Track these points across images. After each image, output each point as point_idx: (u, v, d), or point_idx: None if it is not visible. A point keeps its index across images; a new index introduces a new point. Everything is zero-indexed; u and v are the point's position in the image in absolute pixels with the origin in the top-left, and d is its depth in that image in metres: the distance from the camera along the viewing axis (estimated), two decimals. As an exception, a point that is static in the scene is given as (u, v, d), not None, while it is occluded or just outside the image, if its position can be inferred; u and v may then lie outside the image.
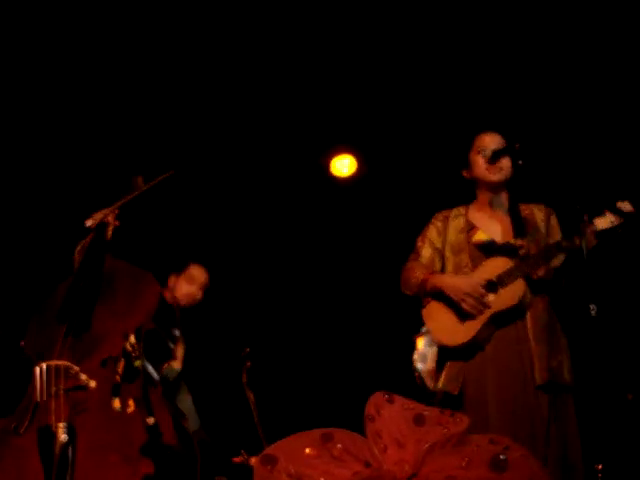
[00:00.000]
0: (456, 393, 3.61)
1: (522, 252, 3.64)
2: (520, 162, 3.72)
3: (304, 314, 5.73)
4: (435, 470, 2.75)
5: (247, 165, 5.66)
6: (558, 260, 3.60)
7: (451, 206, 3.98)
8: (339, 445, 2.81)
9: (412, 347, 4.22)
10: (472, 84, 5.16)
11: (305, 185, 5.84)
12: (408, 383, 3.99)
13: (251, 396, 4.71)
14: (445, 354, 3.72)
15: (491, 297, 3.60)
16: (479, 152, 3.85)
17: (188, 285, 4.46)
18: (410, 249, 3.99)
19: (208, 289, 4.58)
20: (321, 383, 5.55)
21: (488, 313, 3.59)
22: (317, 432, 2.86)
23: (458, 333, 3.64)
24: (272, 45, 5.15)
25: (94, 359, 3.05)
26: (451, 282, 3.68)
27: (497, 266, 3.63)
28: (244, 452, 4.51)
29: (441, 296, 3.71)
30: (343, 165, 5.91)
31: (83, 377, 2.97)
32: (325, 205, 5.88)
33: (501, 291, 3.59)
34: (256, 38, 5.06)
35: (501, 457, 2.77)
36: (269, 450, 2.81)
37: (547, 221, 3.81)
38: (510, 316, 3.59)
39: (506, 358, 3.58)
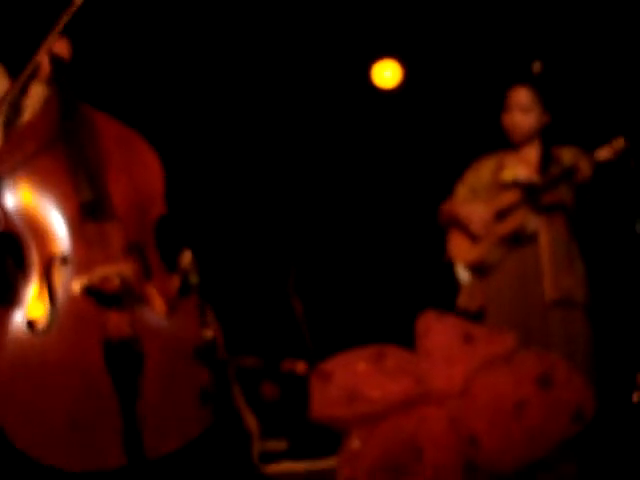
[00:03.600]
0: (474, 311, 3.89)
1: (541, 181, 3.89)
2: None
3: (346, 228, 5.79)
4: (484, 387, 2.88)
5: (291, 77, 5.62)
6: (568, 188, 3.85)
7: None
8: (391, 361, 2.94)
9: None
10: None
11: (347, 96, 5.78)
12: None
13: (298, 304, 4.84)
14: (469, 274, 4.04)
15: (498, 224, 3.91)
16: (507, 109, 3.99)
17: None
18: (453, 163, 4.25)
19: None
20: (368, 293, 5.65)
21: (492, 237, 3.89)
22: (370, 349, 2.99)
23: (468, 252, 3.99)
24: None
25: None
26: (463, 209, 4.02)
27: (509, 198, 3.91)
28: (292, 359, 4.68)
29: (458, 223, 4.04)
30: (387, 75, 5.80)
31: None
32: (368, 117, 5.85)
33: (507, 219, 3.88)
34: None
35: (547, 374, 2.88)
36: (324, 365, 2.94)
37: (575, 161, 3.92)
38: (518, 241, 3.86)
39: (519, 280, 3.87)
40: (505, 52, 5.03)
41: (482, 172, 4.09)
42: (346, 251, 5.66)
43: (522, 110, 3.94)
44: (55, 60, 3.27)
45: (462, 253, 4.01)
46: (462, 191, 4.13)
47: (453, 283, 4.09)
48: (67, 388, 2.82)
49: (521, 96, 3.96)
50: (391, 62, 5.75)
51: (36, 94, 3.30)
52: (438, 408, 2.85)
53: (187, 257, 2.83)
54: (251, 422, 4.27)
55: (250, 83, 5.50)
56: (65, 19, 2.95)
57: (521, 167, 4.00)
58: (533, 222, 3.85)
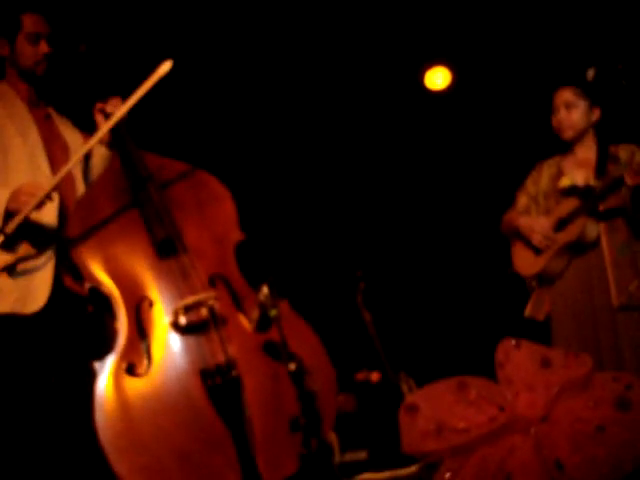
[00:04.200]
0: (542, 319, 4.05)
1: (598, 189, 3.90)
2: (624, 82, 3.86)
3: (404, 235, 5.90)
4: (565, 412, 2.99)
5: (343, 81, 5.72)
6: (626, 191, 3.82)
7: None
8: (474, 391, 3.07)
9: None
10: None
11: (399, 97, 5.88)
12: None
13: (367, 315, 4.97)
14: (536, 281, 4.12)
15: (559, 234, 3.97)
16: (553, 111, 4.06)
17: None
18: (504, 165, 4.42)
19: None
20: (437, 302, 5.77)
21: (554, 247, 3.95)
22: (453, 380, 3.13)
23: (531, 265, 4.07)
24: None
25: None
26: (524, 221, 4.11)
27: (569, 205, 3.97)
28: (365, 369, 4.83)
29: (520, 234, 4.13)
30: (437, 77, 5.91)
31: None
32: (419, 118, 5.95)
33: (567, 228, 3.95)
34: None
35: (625, 396, 2.99)
36: (411, 399, 3.09)
37: (631, 158, 3.97)
38: (580, 248, 3.92)
39: (584, 286, 3.92)
40: (559, 58, 5.08)
41: (541, 180, 4.15)
42: (408, 257, 5.80)
43: (566, 107, 4.00)
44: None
45: (526, 265, 4.10)
46: (523, 200, 4.21)
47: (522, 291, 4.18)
48: (175, 425, 2.92)
49: (564, 94, 4.02)
50: (442, 67, 5.82)
51: (98, 153, 3.52)
52: (523, 435, 2.96)
53: (264, 291, 2.87)
54: (330, 434, 4.40)
55: (311, 104, 5.60)
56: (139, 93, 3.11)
57: (578, 172, 4.03)
58: (594, 229, 3.89)
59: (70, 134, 3.57)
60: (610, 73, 3.88)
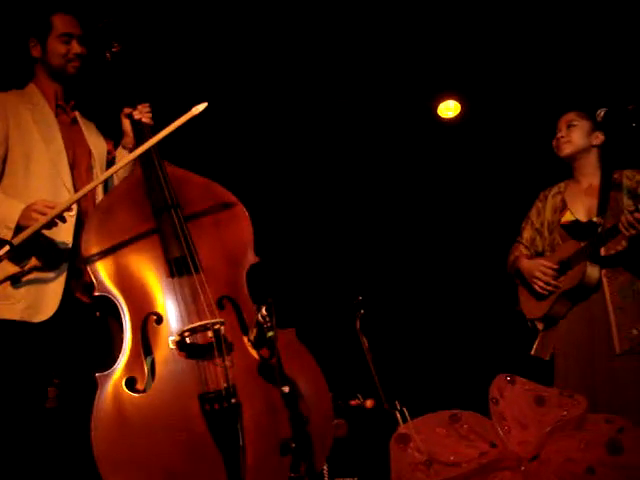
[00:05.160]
0: (547, 359, 4.03)
1: (599, 230, 3.85)
2: (634, 124, 3.81)
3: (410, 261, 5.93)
4: (556, 451, 2.99)
5: (356, 108, 5.78)
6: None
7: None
8: (466, 426, 3.08)
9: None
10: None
11: (412, 126, 5.96)
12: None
13: (365, 342, 4.95)
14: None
15: (561, 278, 3.96)
16: (558, 129, 4.08)
17: None
18: (513, 191, 4.42)
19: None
20: (432, 329, 5.78)
21: (556, 293, 3.95)
22: (445, 413, 3.14)
23: (535, 309, 4.08)
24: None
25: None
26: (526, 265, 4.09)
27: (569, 248, 3.94)
28: (360, 396, 4.81)
29: (522, 278, 4.13)
30: (448, 108, 6.01)
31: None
32: (431, 146, 6.01)
33: (569, 272, 3.94)
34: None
35: (616, 440, 2.99)
36: (402, 429, 3.09)
37: (636, 188, 3.93)
38: (582, 293, 3.88)
39: (586, 330, 3.88)
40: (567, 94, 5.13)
41: (545, 212, 4.14)
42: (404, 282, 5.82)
43: (567, 126, 4.03)
44: (136, 126, 3.48)
45: (530, 309, 4.11)
46: (527, 232, 4.20)
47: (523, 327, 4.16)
48: (169, 445, 2.91)
49: (567, 115, 4.06)
50: (453, 99, 5.92)
51: (120, 160, 3.47)
52: (513, 472, 2.97)
53: (263, 311, 2.87)
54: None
55: (327, 132, 5.65)
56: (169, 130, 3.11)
57: (582, 206, 3.99)
58: (595, 273, 3.85)
59: (95, 140, 3.58)
60: (620, 114, 3.84)
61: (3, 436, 3.14)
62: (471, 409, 3.24)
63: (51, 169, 3.34)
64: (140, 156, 3.28)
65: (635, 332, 3.78)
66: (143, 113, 3.50)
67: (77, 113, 3.59)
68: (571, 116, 4.04)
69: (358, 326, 5.00)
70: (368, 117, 5.86)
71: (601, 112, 3.82)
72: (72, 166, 3.40)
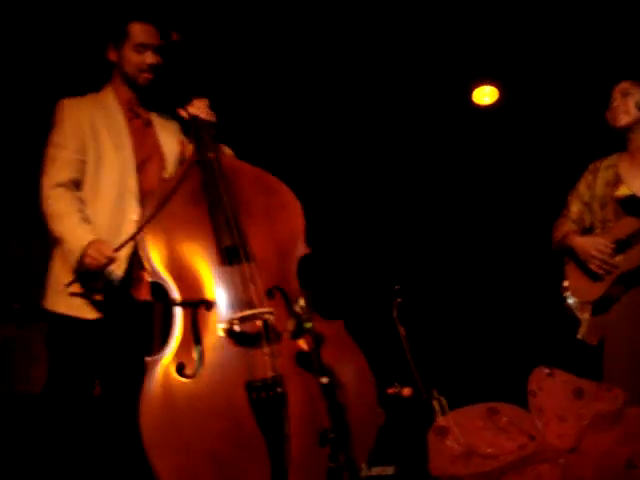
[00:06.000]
0: (595, 344, 3.81)
1: None
2: None
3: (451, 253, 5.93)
4: (595, 445, 2.99)
5: (391, 96, 5.78)
6: None
7: (600, 136, 4.06)
8: (505, 418, 3.08)
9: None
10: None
11: (448, 113, 5.94)
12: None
13: (402, 330, 4.97)
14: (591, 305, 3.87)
15: (619, 258, 3.73)
16: (610, 104, 3.89)
17: None
18: (554, 179, 4.25)
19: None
20: (471, 317, 5.78)
21: (615, 274, 3.72)
22: (483, 406, 3.14)
23: (589, 291, 3.82)
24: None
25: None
26: (580, 243, 3.83)
27: (629, 225, 3.71)
28: (397, 384, 4.84)
29: (576, 255, 3.87)
30: (485, 94, 5.97)
31: None
32: (467, 133, 5.99)
33: (629, 252, 3.71)
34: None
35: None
36: (441, 422, 3.11)
37: None
38: None
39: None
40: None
41: (596, 185, 3.89)
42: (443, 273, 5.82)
43: (622, 95, 3.82)
44: (193, 119, 3.50)
45: (582, 291, 3.84)
46: (576, 206, 3.96)
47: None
48: (215, 431, 2.97)
49: (622, 84, 3.85)
50: (490, 85, 5.89)
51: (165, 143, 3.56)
52: (552, 465, 2.97)
53: (301, 302, 2.92)
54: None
55: (365, 124, 5.67)
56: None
57: (637, 180, 3.77)
58: None
59: (169, 143, 3.57)
60: None
61: (56, 422, 3.24)
62: (510, 399, 3.23)
63: (120, 176, 3.37)
64: (196, 148, 3.39)
65: None
66: (199, 108, 3.50)
67: (154, 114, 3.60)
68: (626, 85, 3.82)
69: (395, 314, 5.02)
70: (402, 105, 5.84)
71: None
72: (139, 169, 3.43)
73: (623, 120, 3.82)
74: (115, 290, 3.29)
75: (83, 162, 3.34)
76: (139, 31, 3.43)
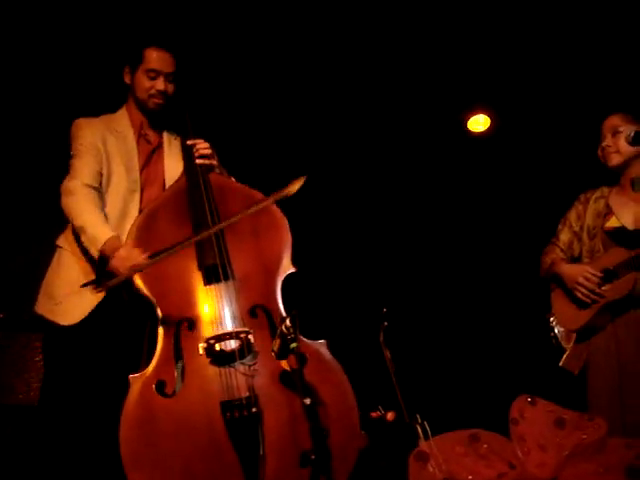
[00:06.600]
0: (576, 373, 3.82)
1: None
2: None
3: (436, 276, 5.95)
4: (574, 475, 2.99)
5: (386, 122, 5.81)
6: None
7: (589, 167, 4.05)
8: (485, 445, 3.08)
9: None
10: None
11: (442, 141, 5.99)
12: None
13: (387, 354, 4.96)
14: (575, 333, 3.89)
15: (605, 287, 3.73)
16: (601, 140, 3.88)
17: None
18: (541, 205, 4.29)
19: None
20: (456, 343, 5.78)
21: (601, 302, 3.72)
22: (465, 432, 3.14)
23: (574, 319, 3.82)
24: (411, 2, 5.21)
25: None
26: (568, 270, 3.83)
27: (617, 256, 3.71)
28: (381, 407, 4.82)
29: (562, 283, 3.88)
30: (478, 122, 6.02)
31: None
32: (462, 160, 6.04)
33: (616, 282, 3.70)
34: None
35: (636, 465, 2.98)
36: (422, 447, 3.10)
37: None
38: (627, 305, 3.68)
39: (627, 346, 3.69)
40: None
41: (586, 215, 3.90)
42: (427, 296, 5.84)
43: (613, 133, 3.80)
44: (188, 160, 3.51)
45: (567, 319, 3.85)
46: (565, 235, 3.96)
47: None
48: (191, 449, 2.99)
49: (612, 120, 3.82)
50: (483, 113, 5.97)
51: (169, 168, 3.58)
52: (531, 494, 2.97)
53: (287, 322, 2.88)
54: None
55: (360, 148, 5.71)
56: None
57: (628, 212, 3.78)
58: None
59: (174, 168, 3.58)
60: None
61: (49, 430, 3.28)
62: (492, 425, 3.23)
63: (123, 199, 3.42)
64: (186, 166, 3.44)
65: None
66: (198, 150, 3.51)
67: (165, 136, 3.64)
68: (616, 121, 3.80)
69: (382, 338, 5.01)
70: (398, 131, 5.88)
71: (631, 133, 3.68)
72: (142, 189, 3.48)
73: (615, 160, 3.82)
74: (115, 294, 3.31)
75: (100, 174, 3.39)
76: (154, 57, 3.46)
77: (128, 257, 3.16)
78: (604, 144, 3.83)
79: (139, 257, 3.14)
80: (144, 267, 3.13)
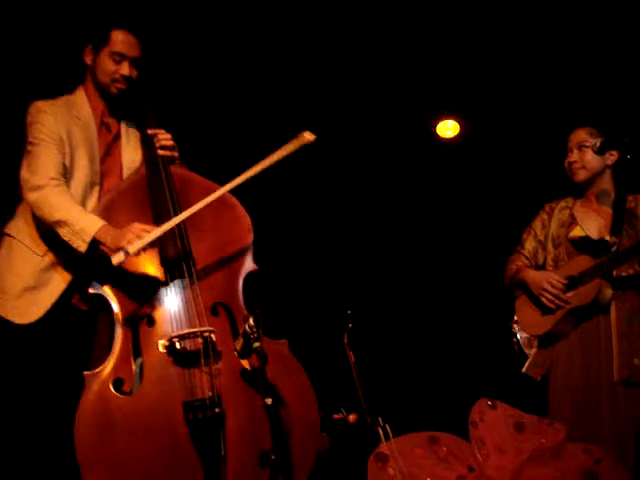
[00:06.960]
0: (538, 380, 3.86)
1: (613, 249, 3.71)
2: (629, 156, 3.71)
3: (403, 279, 5.96)
4: (532, 478, 3.01)
5: (355, 126, 5.82)
6: None
7: (555, 173, 4.09)
8: (445, 448, 3.09)
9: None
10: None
11: (411, 146, 6.01)
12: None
13: (351, 356, 4.95)
14: (537, 340, 3.95)
15: (570, 294, 3.77)
16: (567, 152, 3.92)
17: None
18: (511, 212, 4.33)
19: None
20: (420, 346, 5.80)
21: (565, 308, 3.76)
22: (425, 434, 3.15)
23: (538, 324, 3.87)
24: (379, 11, 5.22)
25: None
26: (533, 276, 3.88)
27: (581, 264, 3.76)
28: (343, 410, 4.82)
29: (528, 289, 3.91)
30: (447, 127, 6.05)
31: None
32: (430, 165, 6.06)
33: (580, 289, 3.74)
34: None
35: (593, 471, 3.01)
36: (382, 449, 3.10)
37: None
38: (590, 312, 3.71)
39: (588, 353, 3.72)
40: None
41: (551, 225, 3.95)
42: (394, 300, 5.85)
43: (579, 147, 3.84)
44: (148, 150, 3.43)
45: (531, 325, 3.91)
46: (530, 243, 4.00)
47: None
48: (150, 450, 2.93)
49: (578, 134, 3.87)
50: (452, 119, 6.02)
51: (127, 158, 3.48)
52: (488, 497, 2.98)
53: (250, 322, 2.87)
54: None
55: (328, 153, 5.69)
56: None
57: (592, 223, 3.84)
58: (608, 294, 3.67)
59: (132, 159, 3.48)
60: (616, 145, 3.79)
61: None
62: (455, 429, 3.24)
63: (84, 189, 3.30)
64: (145, 156, 3.35)
65: (637, 361, 3.61)
66: (161, 140, 3.41)
67: (123, 125, 3.50)
68: (582, 135, 3.84)
69: (346, 340, 5.00)
70: (367, 136, 5.88)
71: (597, 143, 3.71)
72: (101, 180, 3.37)
73: (581, 176, 3.87)
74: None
75: (63, 164, 3.24)
76: (120, 39, 3.31)
77: (143, 227, 3.06)
78: (571, 159, 3.88)
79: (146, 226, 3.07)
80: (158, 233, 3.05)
